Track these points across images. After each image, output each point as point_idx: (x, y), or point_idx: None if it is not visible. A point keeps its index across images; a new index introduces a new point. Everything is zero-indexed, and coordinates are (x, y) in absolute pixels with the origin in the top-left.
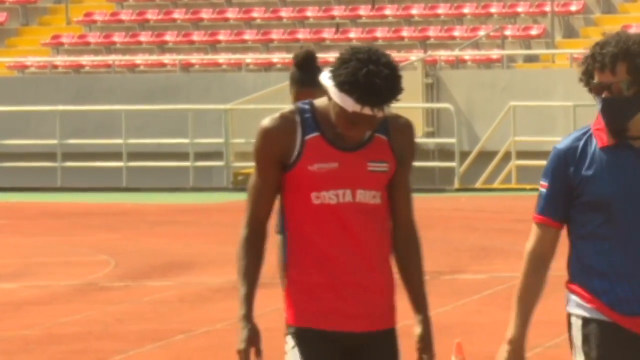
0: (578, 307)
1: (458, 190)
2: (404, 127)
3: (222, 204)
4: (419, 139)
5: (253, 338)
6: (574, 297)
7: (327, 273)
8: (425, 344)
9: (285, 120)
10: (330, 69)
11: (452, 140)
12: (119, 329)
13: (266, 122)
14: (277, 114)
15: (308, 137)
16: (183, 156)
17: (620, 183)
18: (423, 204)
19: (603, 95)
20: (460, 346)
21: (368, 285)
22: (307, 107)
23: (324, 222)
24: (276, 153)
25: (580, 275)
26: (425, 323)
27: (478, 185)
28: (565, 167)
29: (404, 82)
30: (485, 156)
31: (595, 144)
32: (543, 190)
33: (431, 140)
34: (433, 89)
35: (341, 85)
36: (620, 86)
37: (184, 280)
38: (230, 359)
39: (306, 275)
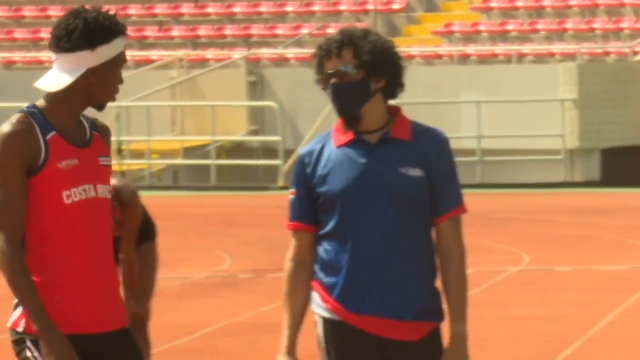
0: (318, 307)
1: (282, 188)
2: (107, 129)
3: None
4: (243, 137)
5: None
6: (315, 295)
7: (77, 270)
8: None
9: (23, 124)
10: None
11: (277, 138)
12: None
13: (5, 128)
14: (12, 120)
15: (49, 136)
16: None
17: (350, 179)
18: (247, 202)
19: (332, 81)
20: None
21: (111, 278)
22: (34, 110)
23: (76, 221)
24: (24, 157)
25: (319, 273)
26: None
27: None
28: (304, 170)
29: (227, 80)
30: None
31: (332, 144)
32: (292, 197)
33: (255, 138)
34: (256, 87)
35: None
36: (348, 70)
37: None
38: None
39: (53, 275)
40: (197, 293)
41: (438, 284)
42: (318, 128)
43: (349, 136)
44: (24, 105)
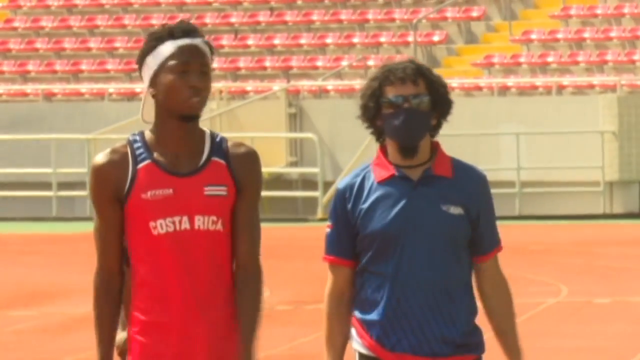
0: (355, 342)
1: (321, 220)
2: (245, 156)
3: (85, 233)
4: (282, 169)
5: None
6: (352, 331)
7: (169, 311)
8: None
9: (115, 153)
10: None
11: (316, 170)
12: None
13: (96, 159)
14: (107, 149)
15: (140, 165)
16: (46, 186)
17: (392, 217)
18: (286, 234)
19: (406, 106)
20: None
21: (217, 319)
22: (137, 137)
23: (163, 254)
24: (110, 188)
25: (357, 309)
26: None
27: None
28: (344, 205)
29: (267, 112)
30: None
31: (372, 179)
32: (328, 230)
33: (294, 170)
34: (296, 119)
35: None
36: (423, 99)
37: (47, 310)
38: None
39: (148, 314)
40: None
41: (477, 320)
42: (357, 160)
43: (390, 171)
44: (63, 137)
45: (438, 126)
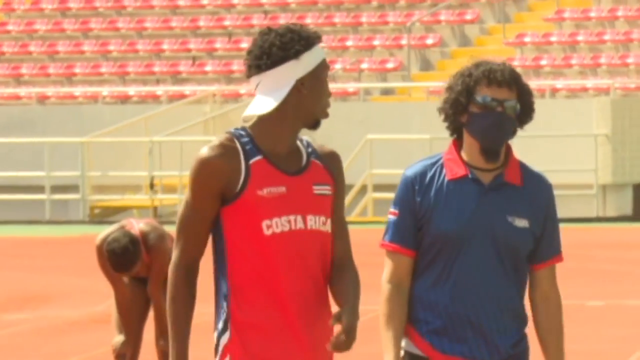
0: (404, 340)
1: None
2: (333, 155)
3: (79, 236)
4: None
5: None
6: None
7: (277, 314)
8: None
9: (225, 147)
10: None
11: None
12: None
13: (205, 151)
14: (214, 142)
15: (252, 161)
16: (39, 189)
17: (458, 221)
18: None
19: (497, 110)
20: None
21: (324, 324)
22: (242, 132)
23: (277, 254)
24: (219, 184)
25: (410, 306)
26: (350, 312)
27: None
28: (412, 195)
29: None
30: None
31: (444, 175)
32: (392, 217)
33: None
34: None
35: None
36: (514, 104)
37: (41, 313)
38: None
39: (251, 317)
40: None
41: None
42: (350, 162)
43: (463, 170)
44: (57, 140)
45: (515, 132)
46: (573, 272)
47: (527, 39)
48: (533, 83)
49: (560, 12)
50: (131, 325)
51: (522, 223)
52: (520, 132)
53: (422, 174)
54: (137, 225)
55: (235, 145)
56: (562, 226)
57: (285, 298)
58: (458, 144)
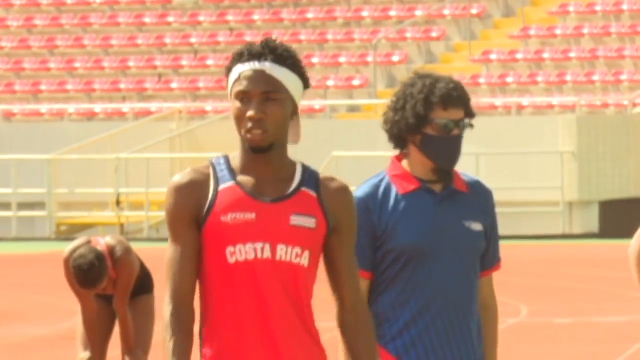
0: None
1: None
2: (339, 190)
3: (45, 253)
4: None
5: None
6: None
7: (241, 349)
8: None
9: (196, 173)
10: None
11: None
12: None
13: (176, 177)
14: (187, 169)
15: (222, 187)
16: (5, 206)
17: (418, 232)
18: None
19: (454, 133)
20: None
21: None
22: (221, 160)
23: (238, 284)
24: (189, 210)
25: (377, 325)
26: None
27: None
28: (368, 216)
29: (227, 132)
30: None
31: (395, 191)
32: None
33: None
34: None
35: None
36: (466, 123)
37: (7, 330)
38: None
39: (218, 351)
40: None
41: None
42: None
43: (414, 183)
44: (23, 157)
45: None
46: (540, 289)
47: (492, 56)
48: (499, 100)
49: (526, 29)
50: (97, 341)
51: (477, 227)
52: (486, 149)
53: (374, 193)
54: (102, 240)
55: (209, 172)
56: (528, 243)
57: (253, 332)
58: (401, 157)
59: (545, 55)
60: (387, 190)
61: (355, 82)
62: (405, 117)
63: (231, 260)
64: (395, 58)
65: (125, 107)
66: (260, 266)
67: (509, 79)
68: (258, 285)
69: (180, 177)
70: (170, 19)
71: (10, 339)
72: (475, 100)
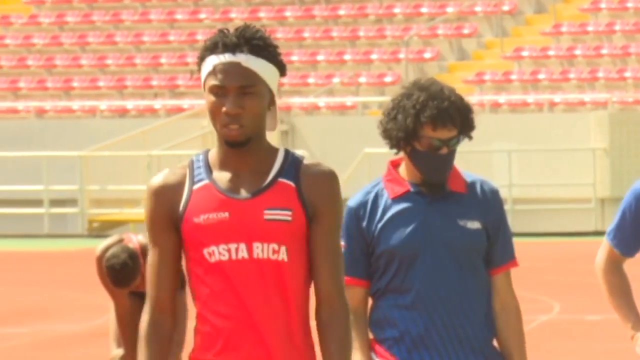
0: None
1: None
2: (322, 176)
3: (77, 250)
4: None
5: None
6: (373, 355)
7: (224, 352)
8: None
9: (171, 175)
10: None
11: None
12: None
13: (152, 180)
14: (165, 170)
15: (197, 186)
16: (37, 203)
17: (409, 235)
18: None
19: (444, 152)
20: None
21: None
22: (200, 157)
23: (217, 286)
24: (164, 212)
25: (375, 331)
26: None
27: None
28: (358, 223)
29: None
30: None
31: (386, 196)
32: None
33: None
34: (288, 136)
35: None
36: (458, 140)
37: (39, 327)
38: None
39: (202, 354)
40: None
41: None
42: (349, 176)
43: (405, 187)
44: (55, 154)
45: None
46: (572, 285)
47: (524, 53)
48: (531, 97)
49: (558, 26)
50: (130, 338)
51: (474, 225)
52: (518, 146)
53: (364, 201)
54: (135, 238)
55: (186, 171)
56: (560, 240)
57: (225, 337)
58: (396, 163)
59: (578, 52)
60: (379, 196)
61: (387, 79)
62: (396, 128)
63: (211, 260)
64: (427, 55)
65: (157, 104)
66: (235, 267)
67: (541, 76)
68: (234, 286)
69: (155, 180)
70: (202, 15)
71: (43, 335)
72: (507, 98)
